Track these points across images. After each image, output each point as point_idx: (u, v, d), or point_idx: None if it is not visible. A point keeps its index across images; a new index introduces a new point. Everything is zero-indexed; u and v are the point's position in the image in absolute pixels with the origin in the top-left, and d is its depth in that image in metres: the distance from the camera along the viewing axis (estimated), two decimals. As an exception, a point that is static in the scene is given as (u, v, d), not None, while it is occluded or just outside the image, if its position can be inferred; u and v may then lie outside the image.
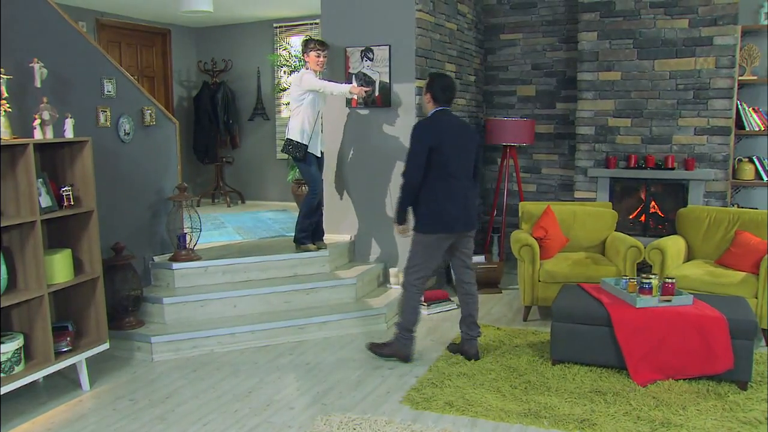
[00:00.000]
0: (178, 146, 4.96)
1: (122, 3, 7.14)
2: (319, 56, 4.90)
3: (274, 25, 8.34)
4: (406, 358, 4.08)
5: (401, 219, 4.01)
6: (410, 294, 4.04)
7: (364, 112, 5.36)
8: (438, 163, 3.86)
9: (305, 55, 4.96)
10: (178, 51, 8.63)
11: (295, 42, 8.05)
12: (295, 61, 7.63)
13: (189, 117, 8.64)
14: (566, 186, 6.62)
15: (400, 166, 5.01)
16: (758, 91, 5.83)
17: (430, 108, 4.02)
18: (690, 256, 5.04)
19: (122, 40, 7.93)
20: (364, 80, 5.28)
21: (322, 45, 4.93)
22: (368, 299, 4.98)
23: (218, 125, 8.37)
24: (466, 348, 4.15)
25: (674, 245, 4.83)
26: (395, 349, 4.09)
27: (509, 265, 6.42)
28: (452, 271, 4.26)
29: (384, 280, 5.42)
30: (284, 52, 7.98)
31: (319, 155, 5.09)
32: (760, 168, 5.76)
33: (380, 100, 5.26)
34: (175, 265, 4.67)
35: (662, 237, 5.19)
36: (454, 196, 3.91)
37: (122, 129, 4.42)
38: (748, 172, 5.76)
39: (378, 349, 4.16)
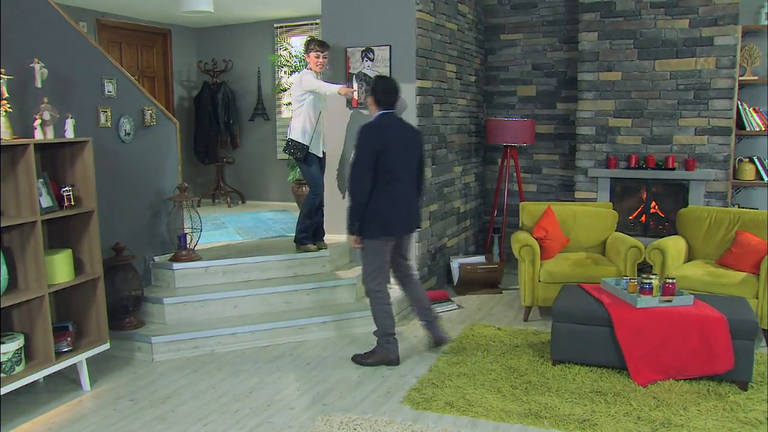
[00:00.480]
0: (178, 146, 4.96)
1: (122, 3, 7.14)
2: (318, 57, 4.90)
3: (275, 25, 8.34)
4: (393, 362, 4.06)
5: (355, 229, 3.90)
6: (377, 300, 4.04)
7: (366, 112, 5.35)
8: (383, 167, 3.83)
9: (306, 55, 4.97)
10: (179, 51, 8.63)
11: (296, 42, 8.05)
12: (295, 62, 7.62)
13: (189, 117, 8.64)
14: (567, 186, 6.62)
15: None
16: (759, 92, 5.83)
17: (374, 111, 4.01)
18: (690, 257, 5.04)
19: (123, 40, 7.93)
20: (365, 80, 5.28)
21: (321, 46, 4.93)
22: (369, 299, 4.98)
23: (219, 125, 8.37)
24: (431, 333, 4.18)
25: (675, 245, 4.83)
26: (380, 357, 4.06)
27: (510, 265, 6.42)
28: (391, 269, 4.22)
29: (384, 281, 5.41)
30: (285, 53, 7.98)
31: (321, 155, 5.09)
32: (760, 168, 5.76)
33: (381, 100, 5.25)
34: (176, 266, 4.68)
35: (663, 237, 5.19)
36: (397, 200, 3.90)
37: (123, 129, 4.42)
38: (748, 172, 5.76)
39: (363, 360, 4.10)
